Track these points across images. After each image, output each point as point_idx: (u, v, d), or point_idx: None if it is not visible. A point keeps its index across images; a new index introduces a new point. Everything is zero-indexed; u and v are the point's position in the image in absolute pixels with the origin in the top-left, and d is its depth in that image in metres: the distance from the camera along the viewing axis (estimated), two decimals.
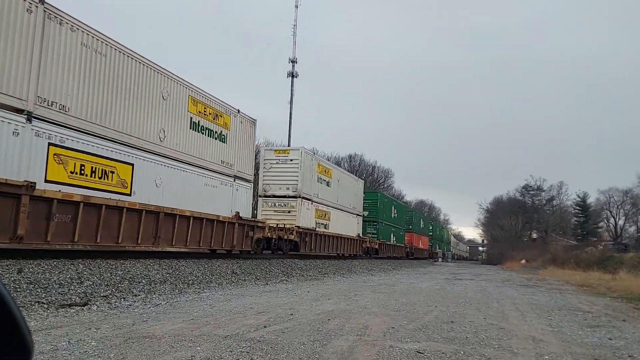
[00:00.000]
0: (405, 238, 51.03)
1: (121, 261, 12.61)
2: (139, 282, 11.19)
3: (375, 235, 39.40)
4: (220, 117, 18.10)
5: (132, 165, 13.70)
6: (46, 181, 10.95)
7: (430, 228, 70.47)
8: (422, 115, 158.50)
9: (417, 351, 5.76)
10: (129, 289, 10.39)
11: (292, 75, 52.18)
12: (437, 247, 74.36)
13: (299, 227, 24.17)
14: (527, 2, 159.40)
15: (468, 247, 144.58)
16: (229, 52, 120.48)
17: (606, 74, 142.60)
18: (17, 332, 1.13)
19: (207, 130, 17.30)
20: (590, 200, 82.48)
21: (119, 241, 12.91)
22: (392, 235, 44.74)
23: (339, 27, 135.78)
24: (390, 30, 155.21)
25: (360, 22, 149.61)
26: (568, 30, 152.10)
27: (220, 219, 17.49)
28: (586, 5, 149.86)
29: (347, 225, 32.72)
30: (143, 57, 14.07)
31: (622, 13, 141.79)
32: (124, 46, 13.25)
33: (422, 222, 63.88)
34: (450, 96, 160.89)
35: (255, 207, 26.32)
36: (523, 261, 55.08)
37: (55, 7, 11.14)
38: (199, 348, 5.43)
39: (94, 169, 12.34)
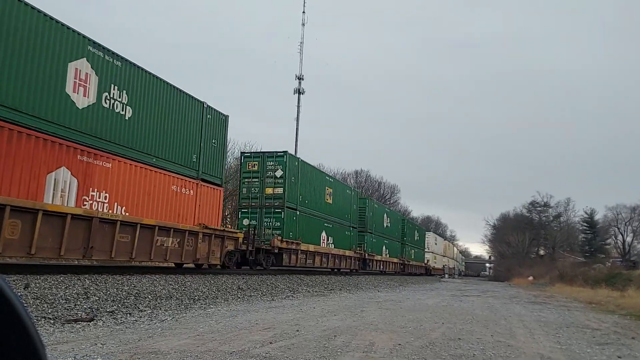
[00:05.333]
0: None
1: (127, 276, 12.63)
2: (145, 298, 11.19)
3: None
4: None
5: None
6: None
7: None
8: (424, 131, 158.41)
9: None
10: (135, 305, 10.39)
11: (299, 92, 52.58)
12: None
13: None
14: (524, 15, 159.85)
15: (464, 262, 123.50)
16: (227, 68, 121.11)
17: (613, 88, 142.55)
18: (31, 345, 1.15)
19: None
20: (598, 216, 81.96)
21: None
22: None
23: (341, 43, 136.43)
24: (387, 46, 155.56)
25: (363, 38, 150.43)
26: (570, 44, 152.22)
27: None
28: (584, 16, 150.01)
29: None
30: None
31: (621, 25, 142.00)
32: None
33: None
34: (452, 112, 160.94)
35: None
36: (530, 278, 54.71)
37: None
38: None
39: None
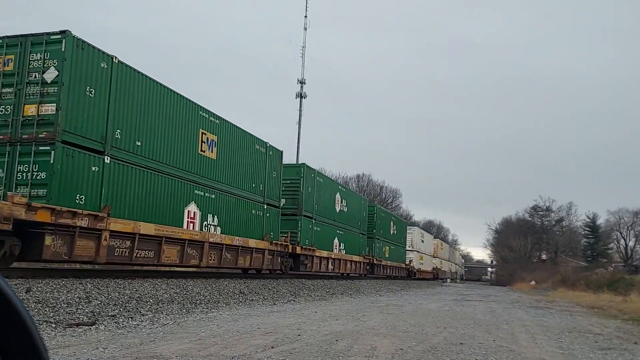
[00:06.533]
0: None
1: (129, 280, 12.63)
2: (147, 302, 11.19)
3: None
4: None
5: None
6: None
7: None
8: (425, 132, 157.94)
9: None
10: (137, 309, 10.39)
11: (301, 95, 52.48)
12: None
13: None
14: (524, 15, 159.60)
15: (465, 266, 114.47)
16: (226, 69, 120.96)
17: (614, 88, 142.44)
18: (32, 346, 1.15)
19: None
20: (600, 221, 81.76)
21: None
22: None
23: (342, 45, 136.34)
24: (387, 48, 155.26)
25: (363, 40, 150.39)
26: (570, 44, 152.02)
27: None
28: (585, 16, 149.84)
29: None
30: None
31: (622, 24, 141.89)
32: None
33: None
34: (453, 114, 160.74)
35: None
36: (532, 282, 54.56)
37: None
38: None
39: None
